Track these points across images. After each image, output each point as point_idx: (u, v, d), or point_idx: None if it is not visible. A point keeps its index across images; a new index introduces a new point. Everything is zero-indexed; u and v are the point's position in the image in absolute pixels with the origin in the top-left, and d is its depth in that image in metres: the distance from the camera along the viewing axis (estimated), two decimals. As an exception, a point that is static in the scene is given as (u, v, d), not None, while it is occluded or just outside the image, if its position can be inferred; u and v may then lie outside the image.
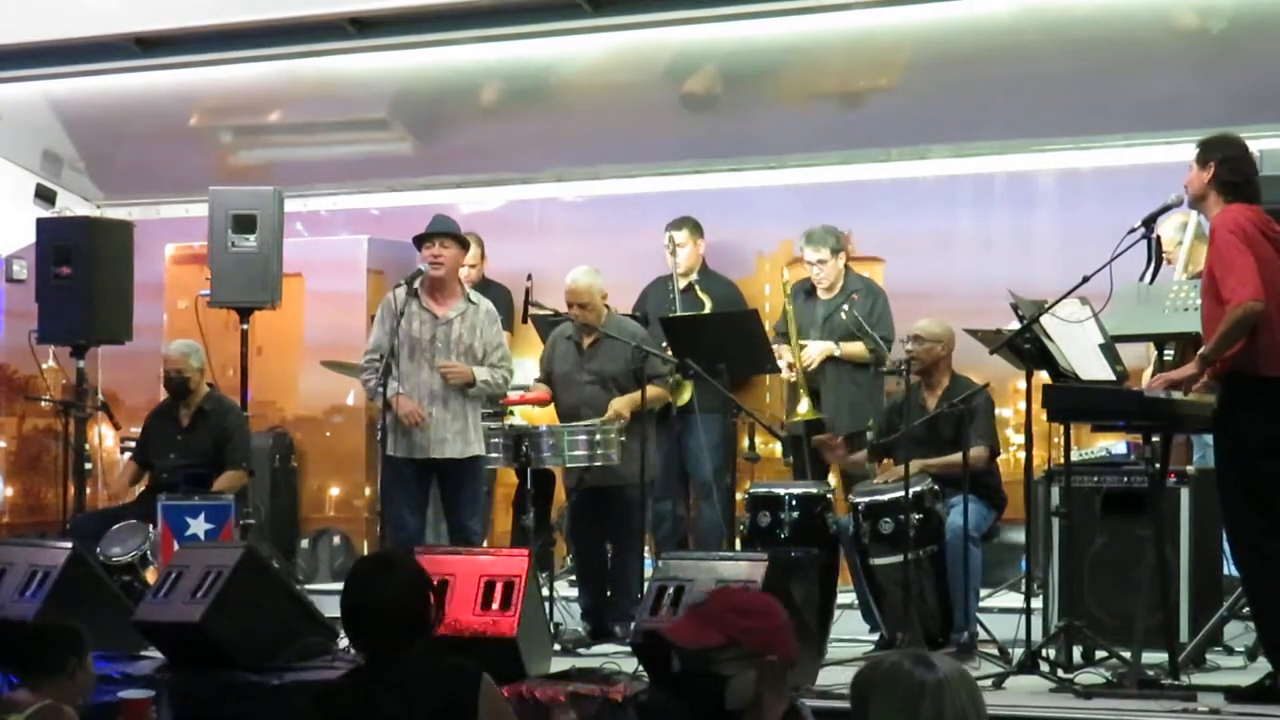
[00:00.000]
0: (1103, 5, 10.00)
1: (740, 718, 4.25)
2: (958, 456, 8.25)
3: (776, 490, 8.44)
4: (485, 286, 10.20)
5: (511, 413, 9.83)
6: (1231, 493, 6.88)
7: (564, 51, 11.22)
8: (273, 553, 9.48)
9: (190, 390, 9.76)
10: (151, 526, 9.17)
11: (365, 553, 11.30)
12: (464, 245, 9.02)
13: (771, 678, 4.24)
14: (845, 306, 9.60)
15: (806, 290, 9.87)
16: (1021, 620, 7.62)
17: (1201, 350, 6.90)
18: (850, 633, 8.55)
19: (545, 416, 9.79)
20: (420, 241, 8.87)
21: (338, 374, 10.69)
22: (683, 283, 10.19)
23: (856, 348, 9.52)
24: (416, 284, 8.78)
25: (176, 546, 8.77)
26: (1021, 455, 8.34)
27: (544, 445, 8.79)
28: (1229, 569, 7.92)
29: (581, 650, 8.54)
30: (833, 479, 9.56)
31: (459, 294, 8.88)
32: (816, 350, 9.60)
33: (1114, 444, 8.42)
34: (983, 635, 8.26)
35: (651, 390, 8.96)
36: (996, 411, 8.91)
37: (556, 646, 8.23)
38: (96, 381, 11.36)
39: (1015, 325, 7.72)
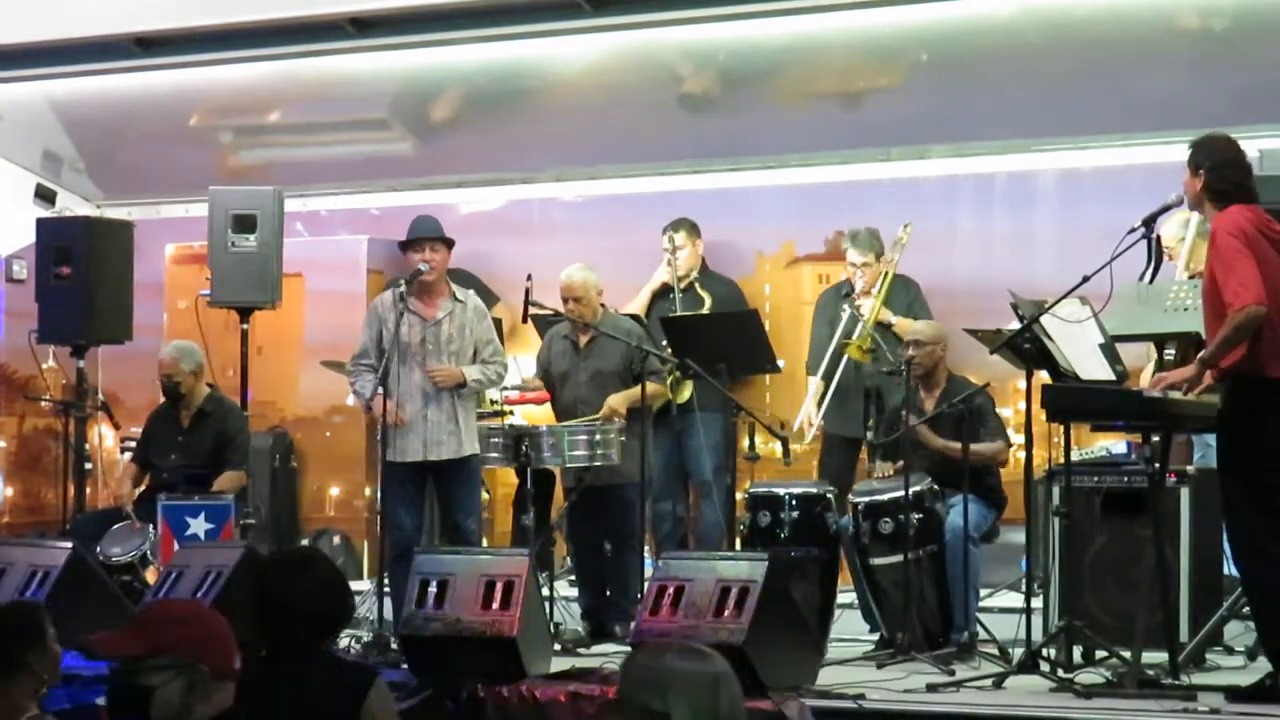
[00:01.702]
0: (1103, 5, 9.99)
1: None
2: (972, 445, 8.27)
3: (776, 490, 8.45)
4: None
5: (511, 412, 9.83)
6: (1235, 495, 6.87)
7: (563, 51, 11.22)
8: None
9: (183, 394, 9.74)
10: (151, 526, 9.17)
11: (365, 552, 11.31)
12: (450, 245, 9.01)
13: (203, 688, 4.16)
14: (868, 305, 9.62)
15: (845, 293, 9.88)
16: (1021, 620, 7.62)
17: (1202, 353, 6.90)
18: (850, 632, 8.56)
19: (545, 416, 9.80)
20: (406, 246, 8.87)
21: (338, 374, 10.66)
22: (683, 284, 10.19)
23: (909, 324, 9.48)
24: (404, 287, 8.77)
25: (176, 546, 8.77)
26: (1021, 455, 8.35)
27: (544, 445, 8.80)
28: (1229, 569, 7.92)
29: (581, 650, 8.55)
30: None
31: (446, 294, 8.88)
32: (869, 307, 9.57)
33: (1114, 444, 8.42)
34: (983, 635, 8.27)
35: (649, 387, 8.98)
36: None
37: (557, 646, 8.23)
38: (96, 381, 11.36)
39: (1015, 325, 7.72)
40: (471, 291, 9.08)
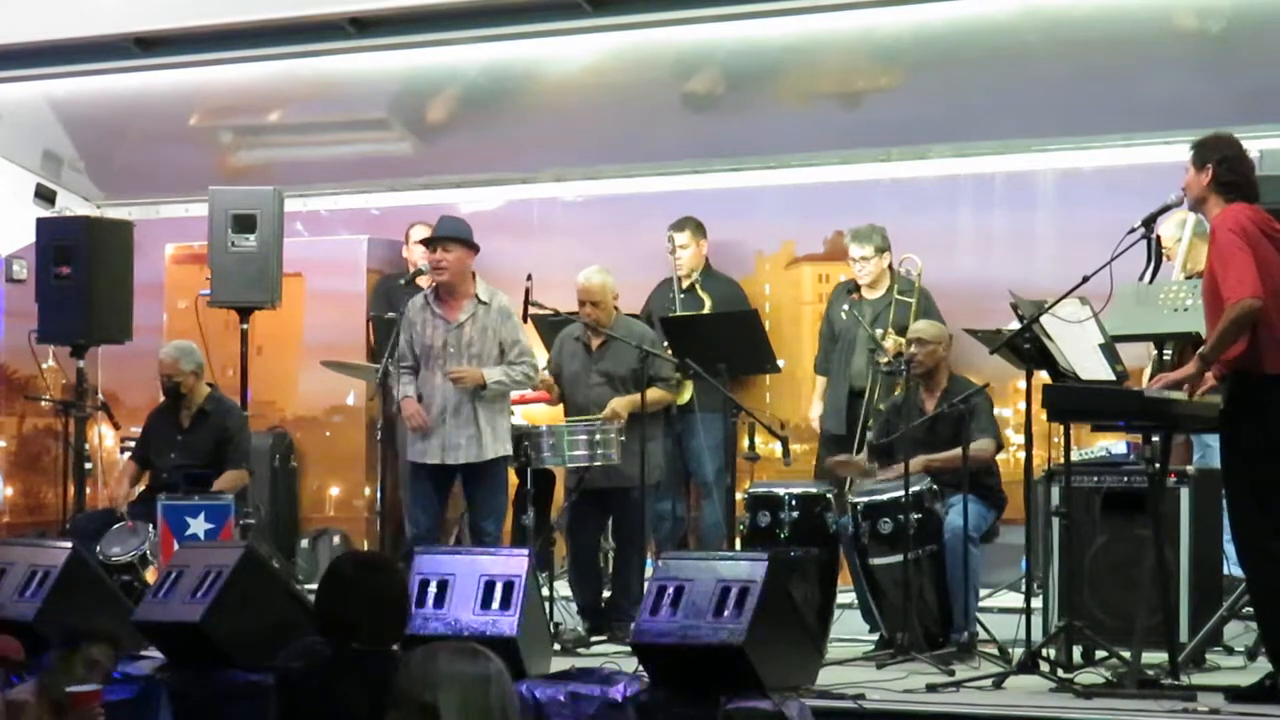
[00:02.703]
0: (1102, 6, 10.00)
1: None
2: (956, 451, 8.27)
3: (776, 490, 8.45)
4: None
5: (512, 412, 9.82)
6: (1237, 492, 6.87)
7: (564, 51, 11.22)
8: (272, 553, 9.47)
9: (183, 394, 9.74)
10: (151, 526, 9.17)
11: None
12: (471, 247, 9.00)
13: None
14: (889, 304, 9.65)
15: (850, 289, 9.91)
16: (1021, 620, 7.62)
17: (1201, 349, 6.91)
18: (850, 633, 8.56)
19: (548, 416, 9.79)
20: (427, 244, 8.92)
21: (338, 374, 10.68)
22: (685, 283, 10.21)
23: None
24: (420, 283, 8.80)
25: (176, 546, 8.78)
26: (1021, 455, 8.35)
27: (544, 445, 8.80)
28: (1229, 569, 7.93)
29: (581, 650, 8.55)
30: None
31: (470, 295, 8.89)
32: (892, 344, 9.59)
33: (1114, 444, 8.41)
34: (982, 635, 8.27)
35: (656, 392, 8.99)
36: (996, 412, 8.91)
37: (556, 646, 8.23)
38: (96, 381, 11.36)
39: (1015, 325, 7.72)
40: (499, 292, 9.06)
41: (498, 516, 8.97)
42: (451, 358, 8.78)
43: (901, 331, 9.43)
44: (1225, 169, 6.91)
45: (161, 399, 10.14)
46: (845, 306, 9.86)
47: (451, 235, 8.88)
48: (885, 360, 9.37)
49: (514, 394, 9.50)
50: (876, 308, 9.76)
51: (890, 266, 9.83)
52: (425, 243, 8.90)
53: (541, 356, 9.70)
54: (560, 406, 9.40)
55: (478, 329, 8.82)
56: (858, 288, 9.89)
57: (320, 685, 4.98)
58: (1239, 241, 6.73)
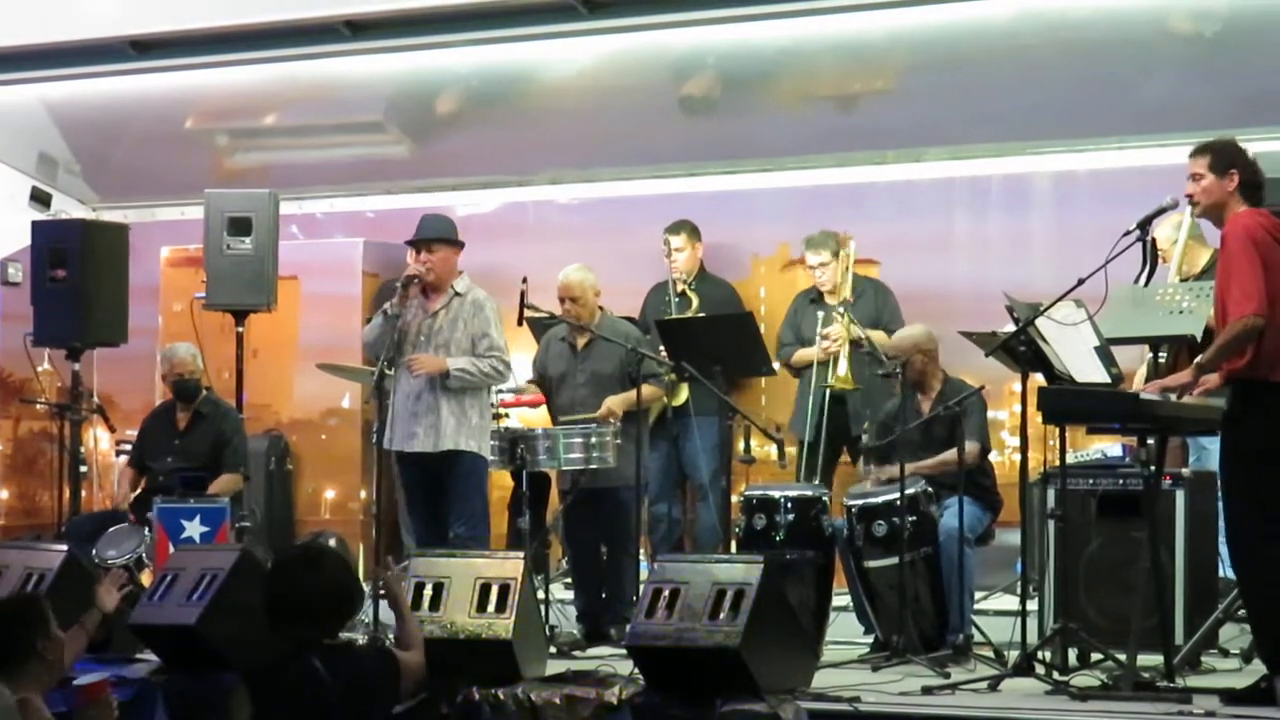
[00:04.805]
0: (1098, 8, 10.00)
1: None
2: (949, 455, 8.29)
3: (772, 493, 8.45)
4: None
5: (506, 415, 9.83)
6: (1236, 496, 6.87)
7: (560, 54, 11.22)
8: (268, 555, 9.46)
9: (199, 392, 9.77)
10: (147, 529, 9.17)
11: (361, 556, 11.31)
12: (456, 245, 9.01)
13: None
14: (841, 310, 9.64)
15: (813, 298, 9.92)
16: (1016, 623, 7.62)
17: (1198, 358, 6.90)
18: (845, 635, 8.56)
19: (541, 419, 9.79)
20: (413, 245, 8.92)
21: (333, 376, 10.68)
22: (680, 286, 10.22)
23: (881, 335, 9.49)
24: (412, 286, 8.81)
25: (172, 549, 8.77)
26: (1017, 458, 8.35)
27: (539, 448, 8.80)
28: (1224, 571, 7.92)
29: (577, 653, 8.55)
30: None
31: (450, 289, 8.91)
32: (838, 329, 9.60)
33: (1109, 446, 8.42)
34: (978, 637, 8.26)
35: (647, 390, 8.98)
36: (992, 414, 8.93)
37: (552, 649, 8.23)
38: (92, 384, 11.35)
39: (1011, 328, 7.72)
40: (476, 287, 9.06)
41: (468, 515, 8.74)
42: (421, 346, 8.78)
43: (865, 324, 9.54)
44: (1250, 172, 6.89)
45: (158, 402, 10.14)
46: (820, 314, 9.80)
47: (435, 237, 8.88)
48: (883, 370, 9.43)
49: (507, 397, 9.51)
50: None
51: (847, 269, 9.85)
52: (411, 244, 8.90)
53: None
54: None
55: (449, 320, 8.82)
56: (820, 295, 9.89)
57: (292, 679, 4.99)
58: (1248, 252, 6.70)
